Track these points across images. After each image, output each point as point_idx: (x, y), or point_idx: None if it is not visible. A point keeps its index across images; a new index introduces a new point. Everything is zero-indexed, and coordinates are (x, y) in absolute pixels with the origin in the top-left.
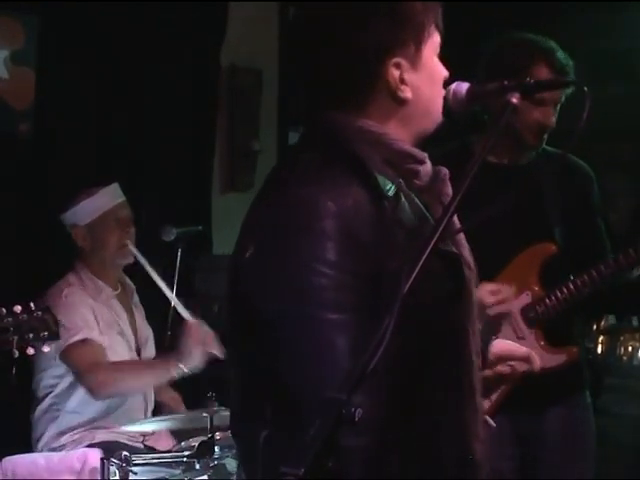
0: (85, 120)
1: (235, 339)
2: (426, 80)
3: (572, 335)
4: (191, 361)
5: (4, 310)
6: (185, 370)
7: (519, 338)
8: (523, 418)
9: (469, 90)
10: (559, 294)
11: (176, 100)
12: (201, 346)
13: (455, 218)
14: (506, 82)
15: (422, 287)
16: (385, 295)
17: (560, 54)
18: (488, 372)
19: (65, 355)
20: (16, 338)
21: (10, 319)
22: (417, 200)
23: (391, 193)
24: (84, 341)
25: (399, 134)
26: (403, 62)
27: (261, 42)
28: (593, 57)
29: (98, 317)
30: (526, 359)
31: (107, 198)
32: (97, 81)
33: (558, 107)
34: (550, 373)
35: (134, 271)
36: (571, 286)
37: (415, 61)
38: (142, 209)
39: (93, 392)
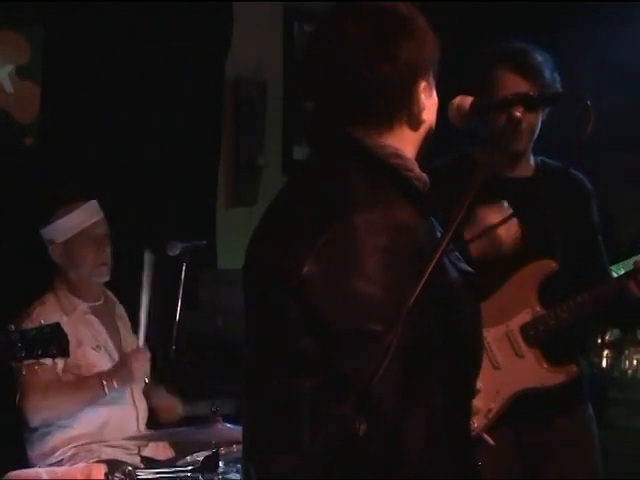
0: (89, 134)
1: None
2: (434, 104)
3: (572, 353)
4: (127, 382)
5: (13, 326)
6: (116, 387)
7: (518, 356)
8: (524, 432)
9: (473, 104)
10: (560, 313)
11: (180, 113)
12: (140, 372)
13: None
14: (510, 96)
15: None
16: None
17: (530, 57)
18: None
19: (17, 374)
20: (24, 354)
21: (18, 335)
22: None
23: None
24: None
25: (414, 156)
26: (427, 86)
27: (266, 55)
28: (596, 69)
29: (68, 332)
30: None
31: (84, 216)
32: (101, 95)
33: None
34: (555, 390)
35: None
36: (572, 305)
37: (431, 84)
38: (146, 223)
39: (26, 418)
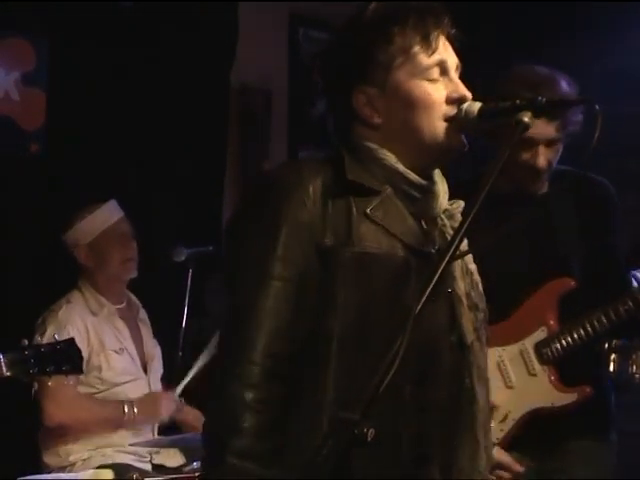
0: (94, 141)
1: None
2: (400, 104)
3: (588, 373)
4: (151, 414)
5: (26, 341)
6: (137, 417)
7: (530, 375)
8: (542, 460)
9: (481, 109)
10: (575, 333)
11: (187, 120)
12: (167, 410)
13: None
14: (518, 101)
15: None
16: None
17: (559, 87)
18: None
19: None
20: (36, 370)
21: (31, 350)
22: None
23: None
24: None
25: (397, 157)
26: (370, 89)
27: (271, 62)
28: (605, 75)
29: (92, 334)
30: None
31: (107, 215)
32: (107, 102)
33: (558, 147)
34: (566, 411)
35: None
36: (587, 326)
37: (385, 87)
38: (153, 229)
39: (45, 416)
